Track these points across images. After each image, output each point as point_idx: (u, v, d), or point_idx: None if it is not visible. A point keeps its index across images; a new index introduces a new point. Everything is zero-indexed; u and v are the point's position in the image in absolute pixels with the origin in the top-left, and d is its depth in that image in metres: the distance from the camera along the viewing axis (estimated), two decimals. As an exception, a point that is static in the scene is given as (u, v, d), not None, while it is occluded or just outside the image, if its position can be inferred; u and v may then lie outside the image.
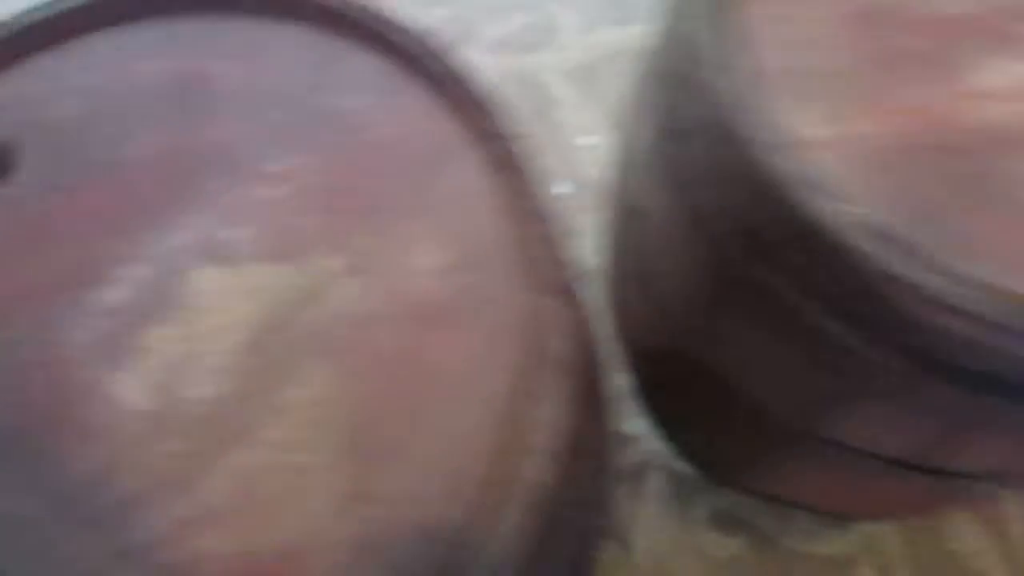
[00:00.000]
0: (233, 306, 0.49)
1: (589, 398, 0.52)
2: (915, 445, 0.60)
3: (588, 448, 0.51)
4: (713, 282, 0.62)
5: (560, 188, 1.36)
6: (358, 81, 0.54)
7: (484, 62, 1.45)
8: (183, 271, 0.50)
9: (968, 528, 1.17)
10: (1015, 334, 0.46)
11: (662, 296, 0.71)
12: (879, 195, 0.49)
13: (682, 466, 1.23)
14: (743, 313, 0.60)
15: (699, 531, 1.20)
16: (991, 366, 0.48)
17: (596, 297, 1.12)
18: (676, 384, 0.82)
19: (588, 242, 1.13)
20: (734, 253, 0.56)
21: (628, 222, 0.74)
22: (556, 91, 1.43)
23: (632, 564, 1.18)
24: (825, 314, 0.53)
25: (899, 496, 0.73)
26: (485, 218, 0.50)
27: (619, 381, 1.26)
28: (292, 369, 0.48)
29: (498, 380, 0.46)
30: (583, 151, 1.42)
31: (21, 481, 0.43)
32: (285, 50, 0.56)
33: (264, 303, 0.49)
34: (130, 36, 0.57)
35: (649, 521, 1.21)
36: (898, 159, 0.50)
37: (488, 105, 0.51)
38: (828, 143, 0.50)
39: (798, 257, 0.51)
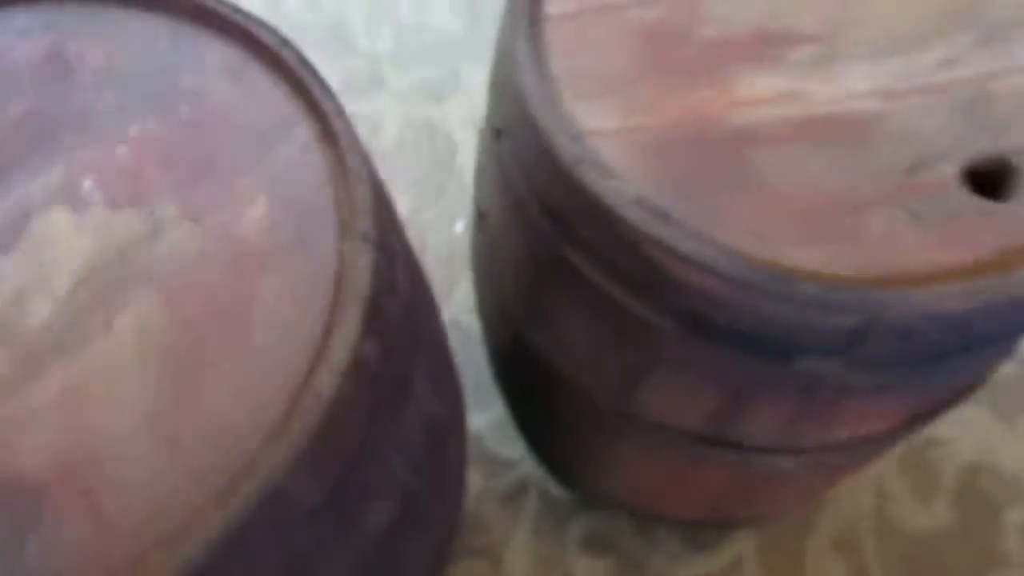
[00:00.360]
0: (75, 243, 0.55)
1: (403, 332, 0.58)
2: (706, 414, 0.67)
3: (394, 374, 0.57)
4: (534, 267, 0.69)
5: (460, 226, 1.43)
6: (209, 64, 0.61)
7: (392, 109, 1.54)
8: (34, 212, 0.56)
9: (827, 556, 1.24)
10: (758, 292, 0.54)
11: (502, 290, 0.78)
12: (650, 176, 0.58)
13: (557, 489, 1.28)
14: (559, 293, 0.68)
15: (570, 553, 1.24)
16: (743, 324, 0.56)
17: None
18: (522, 380, 0.89)
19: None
20: (545, 235, 0.64)
21: (479, 225, 0.82)
22: (458, 136, 1.52)
23: (503, 582, 1.22)
24: (613, 283, 0.60)
25: (713, 481, 0.79)
26: (310, 181, 0.57)
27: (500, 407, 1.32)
28: (123, 298, 0.53)
29: (307, 315, 0.52)
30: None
31: None
32: (146, 35, 0.63)
33: (103, 242, 0.55)
34: (8, 19, 0.64)
35: (522, 542, 1.25)
36: (667, 148, 0.58)
37: (319, 88, 0.59)
38: (611, 133, 0.59)
39: (589, 231, 0.59)
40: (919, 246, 0.55)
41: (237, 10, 0.62)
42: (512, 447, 1.31)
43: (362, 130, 1.52)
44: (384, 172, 1.47)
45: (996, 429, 1.34)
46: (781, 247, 0.54)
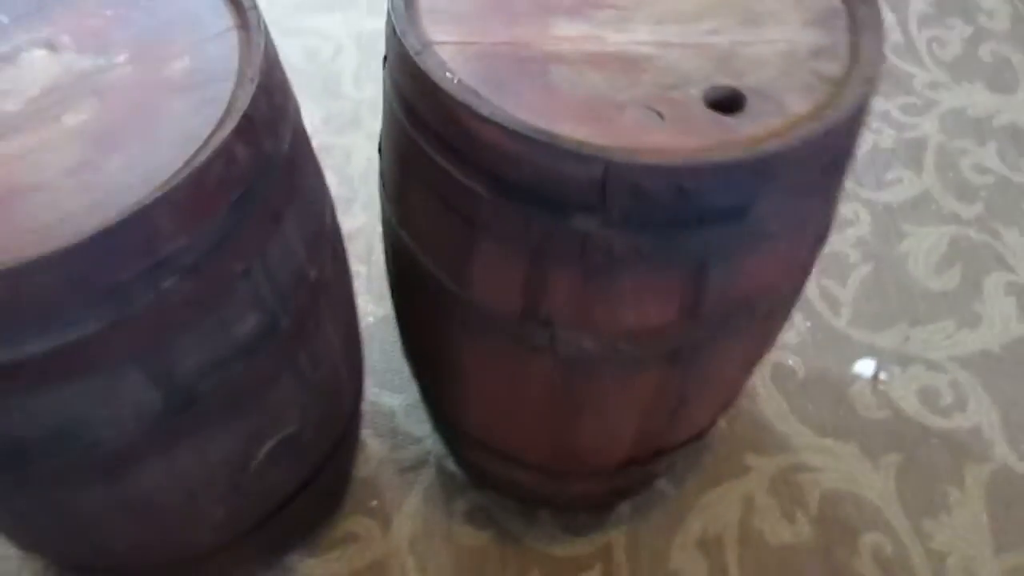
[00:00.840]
0: (48, 69, 0.76)
1: (276, 166, 0.77)
2: (520, 289, 0.84)
3: (262, 195, 0.76)
4: (399, 162, 0.89)
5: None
6: (183, 5, 0.83)
7: (363, 145, 1.78)
8: (23, 50, 0.78)
9: (691, 554, 1.34)
10: (535, 145, 0.72)
11: (386, 203, 0.98)
12: (471, 71, 0.78)
13: (454, 467, 1.41)
14: (413, 179, 0.87)
15: (454, 523, 1.36)
16: (528, 177, 0.74)
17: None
18: (402, 290, 1.06)
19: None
20: (403, 127, 0.84)
21: (381, 155, 1.01)
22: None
23: (387, 541, 1.33)
24: (443, 155, 0.80)
25: (543, 381, 0.94)
26: (225, 49, 0.78)
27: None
28: (73, 104, 0.74)
29: (199, 122, 0.72)
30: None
31: None
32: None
33: (68, 70, 0.76)
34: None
35: (412, 508, 1.37)
36: (489, 57, 0.80)
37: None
38: (450, 44, 0.81)
39: (427, 111, 0.79)
40: (658, 133, 0.75)
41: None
42: (420, 427, 1.45)
43: (337, 158, 1.77)
44: (349, 192, 1.70)
45: (860, 464, 1.46)
46: (556, 123, 0.74)
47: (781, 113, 0.77)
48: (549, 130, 0.72)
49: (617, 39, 0.82)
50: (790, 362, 1.59)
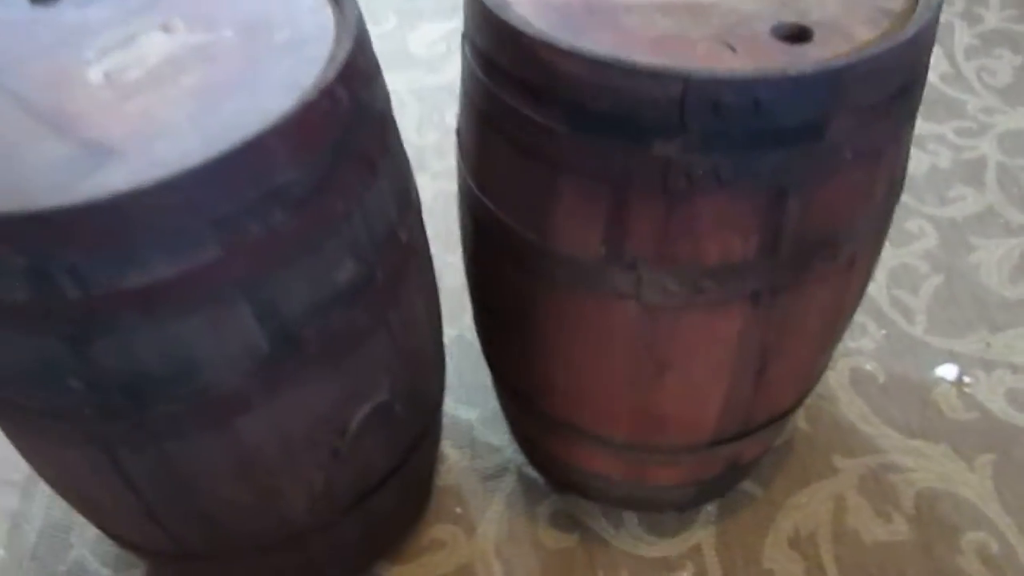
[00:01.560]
0: (165, 45, 0.84)
1: (370, 117, 0.83)
2: (601, 233, 0.87)
3: (359, 141, 0.81)
4: (482, 123, 0.94)
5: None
6: None
7: (428, 183, 1.86)
8: (142, 32, 0.86)
9: (784, 554, 1.30)
10: (614, 70, 0.77)
11: (467, 176, 1.02)
12: (548, 21, 0.84)
13: (534, 474, 1.41)
14: (497, 138, 0.92)
15: (539, 527, 1.34)
16: (607, 105, 0.78)
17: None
18: (479, 256, 1.09)
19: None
20: (489, 87, 0.90)
21: (460, 135, 1.07)
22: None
23: (472, 546, 1.32)
24: (525, 101, 0.85)
25: (624, 335, 0.96)
26: (320, 22, 0.85)
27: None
28: (190, 69, 0.81)
29: (305, 71, 0.79)
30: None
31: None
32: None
33: (183, 44, 0.84)
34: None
35: (496, 514, 1.36)
36: (563, 10, 0.86)
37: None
38: (525, 2, 0.87)
39: (507, 57, 0.85)
40: (731, 60, 0.79)
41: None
42: (499, 438, 1.46)
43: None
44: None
45: (954, 465, 1.42)
46: (632, 55, 0.79)
47: (849, 41, 0.81)
48: (627, 57, 0.77)
49: (682, -7, 0.88)
50: (868, 367, 1.57)
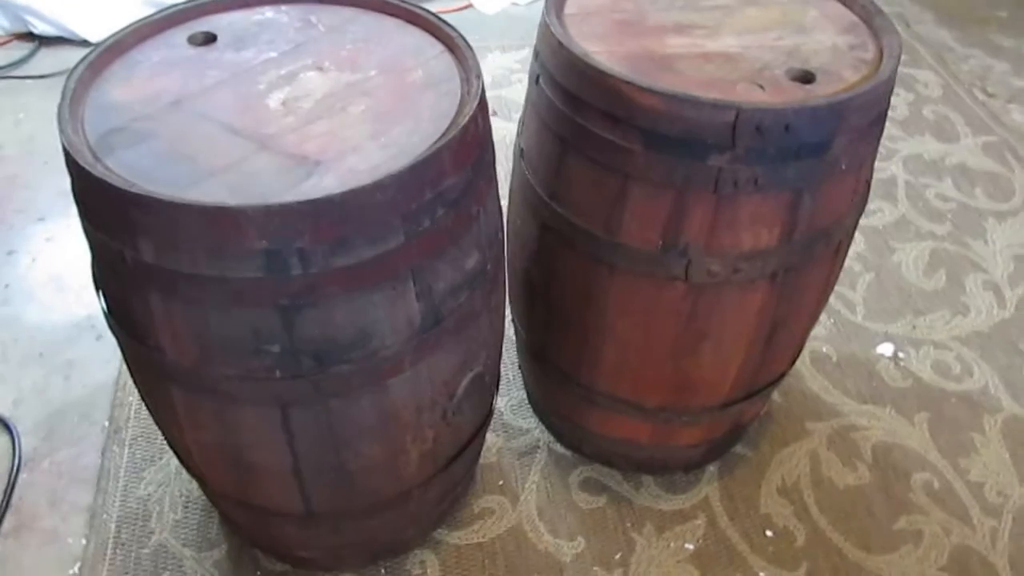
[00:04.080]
0: (321, 83, 1.05)
1: (487, 142, 1.07)
2: (662, 226, 1.13)
3: (482, 162, 1.05)
4: (561, 144, 1.19)
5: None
6: (401, 41, 1.14)
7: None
8: (299, 72, 1.07)
9: (775, 499, 1.58)
10: (680, 101, 1.03)
11: (535, 187, 1.27)
12: (625, 67, 1.10)
13: (562, 449, 1.64)
14: (572, 154, 1.17)
15: (572, 492, 1.57)
16: (675, 131, 1.05)
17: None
18: (546, 260, 1.33)
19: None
20: (564, 115, 1.15)
21: (517, 163, 1.32)
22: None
23: (518, 512, 1.54)
24: (600, 124, 1.10)
25: (671, 311, 1.22)
26: (446, 68, 1.09)
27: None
28: (351, 101, 1.03)
29: (448, 104, 1.02)
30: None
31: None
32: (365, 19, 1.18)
33: (336, 82, 1.05)
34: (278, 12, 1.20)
35: (534, 483, 1.58)
36: (632, 58, 1.12)
37: (457, 39, 1.12)
38: (598, 52, 1.13)
39: (587, 93, 1.10)
40: (762, 96, 1.07)
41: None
42: (527, 422, 1.69)
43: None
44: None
45: (899, 422, 1.74)
46: (691, 92, 1.06)
47: (842, 81, 1.11)
48: (691, 93, 1.04)
49: (713, 45, 1.16)
50: (824, 349, 1.88)
